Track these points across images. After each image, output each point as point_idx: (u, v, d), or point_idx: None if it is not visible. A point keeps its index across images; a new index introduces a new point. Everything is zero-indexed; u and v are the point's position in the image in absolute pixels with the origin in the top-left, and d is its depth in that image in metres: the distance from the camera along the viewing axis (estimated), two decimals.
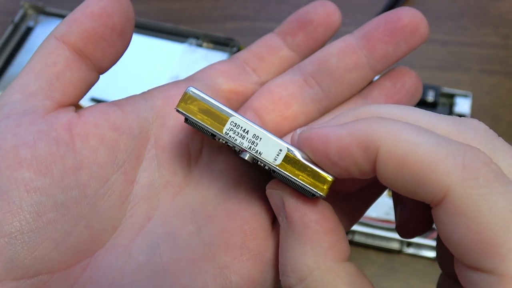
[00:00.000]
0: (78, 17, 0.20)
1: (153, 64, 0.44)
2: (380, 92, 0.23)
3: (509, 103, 0.43)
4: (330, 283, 0.17)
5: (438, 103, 0.41)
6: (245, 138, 0.18)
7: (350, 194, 0.21)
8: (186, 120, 0.19)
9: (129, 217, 0.20)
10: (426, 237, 0.36)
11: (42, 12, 0.46)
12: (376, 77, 0.24)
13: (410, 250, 0.36)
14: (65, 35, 0.20)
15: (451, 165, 0.14)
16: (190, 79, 0.23)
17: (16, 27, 0.45)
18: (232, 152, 0.21)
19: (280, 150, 0.18)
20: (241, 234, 0.20)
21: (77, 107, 0.21)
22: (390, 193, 0.36)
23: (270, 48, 0.24)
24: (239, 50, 0.44)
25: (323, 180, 0.17)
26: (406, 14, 0.22)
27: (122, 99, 0.22)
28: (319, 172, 0.17)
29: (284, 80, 0.23)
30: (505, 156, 0.16)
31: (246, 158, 0.18)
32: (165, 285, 0.19)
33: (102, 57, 0.20)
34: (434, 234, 0.35)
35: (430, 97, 0.41)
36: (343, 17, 0.24)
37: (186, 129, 0.21)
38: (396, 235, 0.36)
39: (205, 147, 0.22)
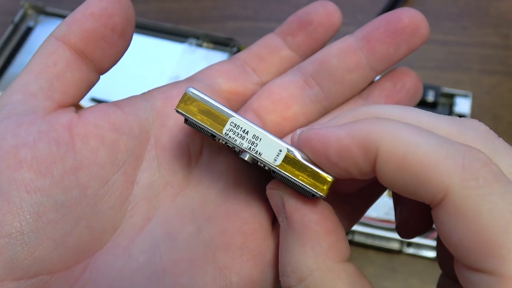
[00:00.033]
0: (79, 17, 0.20)
1: (153, 64, 0.44)
2: (380, 92, 0.23)
3: (509, 103, 0.43)
4: (330, 283, 0.17)
5: (438, 103, 0.41)
6: (245, 139, 0.18)
7: (350, 194, 0.21)
8: (186, 120, 0.19)
9: (129, 218, 0.20)
10: (426, 237, 0.36)
11: (42, 12, 0.46)
12: (377, 78, 0.24)
13: (410, 250, 0.36)
14: (65, 36, 0.20)
15: (451, 165, 0.14)
16: (190, 80, 0.23)
17: (16, 27, 0.45)
18: (232, 152, 0.21)
19: (280, 151, 0.18)
20: (241, 235, 0.20)
21: (78, 107, 0.21)
22: (390, 193, 0.36)
23: (270, 48, 0.24)
24: (239, 50, 0.44)
25: (323, 180, 0.17)
26: (406, 15, 0.22)
27: (122, 99, 0.22)
28: (319, 173, 0.17)
29: (285, 80, 0.23)
30: (505, 156, 0.16)
31: (246, 158, 0.18)
32: (165, 285, 0.19)
33: (102, 57, 0.20)
34: (434, 234, 0.35)
35: (430, 97, 0.41)
36: (343, 17, 0.24)
37: (186, 129, 0.21)
38: (396, 235, 0.36)
39: (205, 148, 0.22)
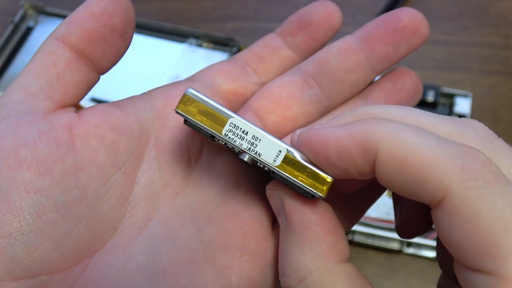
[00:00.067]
0: (79, 17, 0.20)
1: (153, 64, 0.44)
2: (380, 92, 0.23)
3: (509, 103, 0.43)
4: (329, 284, 0.17)
5: (438, 103, 0.41)
6: (245, 139, 0.18)
7: (350, 194, 0.21)
8: (186, 121, 0.19)
9: (129, 218, 0.20)
10: (426, 237, 0.36)
11: (42, 12, 0.46)
12: (377, 78, 0.24)
13: (410, 250, 0.36)
14: (65, 36, 0.20)
15: (450, 166, 0.14)
16: (190, 80, 0.23)
17: (16, 27, 0.45)
18: (232, 153, 0.21)
19: (280, 151, 0.18)
20: (241, 235, 0.20)
21: (78, 107, 0.21)
22: (390, 193, 0.36)
23: (270, 48, 0.24)
24: (239, 50, 0.44)
25: (322, 181, 0.17)
26: (406, 15, 0.22)
27: (122, 99, 0.22)
28: (318, 173, 0.17)
29: (284, 80, 0.23)
30: (504, 157, 0.16)
31: (245, 159, 0.18)
32: (165, 285, 0.19)
33: (102, 57, 0.20)
34: (434, 234, 0.35)
35: (430, 97, 0.41)
36: (343, 17, 0.24)
37: (186, 130, 0.21)
38: (396, 235, 0.35)
39: (205, 148, 0.22)
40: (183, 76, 0.24)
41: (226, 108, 0.18)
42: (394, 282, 0.36)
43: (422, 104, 0.41)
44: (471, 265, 0.14)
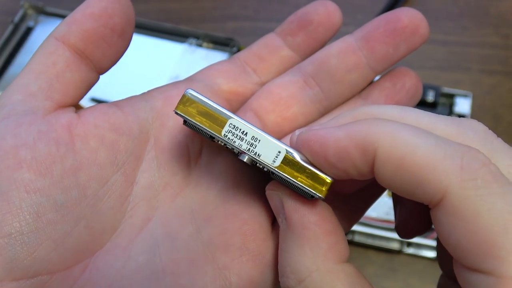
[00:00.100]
0: (78, 17, 0.20)
1: (153, 64, 0.44)
2: (380, 92, 0.23)
3: (509, 103, 0.43)
4: (329, 284, 0.17)
5: (438, 103, 0.41)
6: (244, 140, 0.18)
7: (350, 195, 0.21)
8: (185, 122, 0.19)
9: (128, 218, 0.20)
10: (426, 237, 0.36)
11: (42, 12, 0.46)
12: (376, 78, 0.24)
13: (410, 250, 0.36)
14: (65, 36, 0.20)
15: (449, 166, 0.14)
16: (190, 80, 0.23)
17: (16, 27, 0.45)
18: (232, 153, 0.21)
19: (279, 152, 0.18)
20: (241, 235, 0.20)
21: (77, 107, 0.21)
22: (390, 193, 0.36)
23: (270, 48, 0.24)
24: (239, 50, 0.44)
25: (322, 182, 0.17)
26: (406, 15, 0.22)
27: (122, 99, 0.22)
28: (318, 174, 0.17)
29: (284, 80, 0.23)
30: (504, 156, 0.16)
31: (245, 160, 0.18)
32: (165, 285, 0.19)
33: (102, 57, 0.20)
34: (434, 234, 0.35)
35: (430, 97, 0.41)
36: (343, 17, 0.24)
37: (185, 130, 0.21)
38: (396, 235, 0.35)
39: (205, 148, 0.22)
40: (183, 76, 0.24)
41: (226, 108, 0.18)
42: (394, 282, 0.36)
43: (422, 104, 0.41)
44: (470, 265, 0.14)
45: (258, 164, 0.18)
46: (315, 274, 0.17)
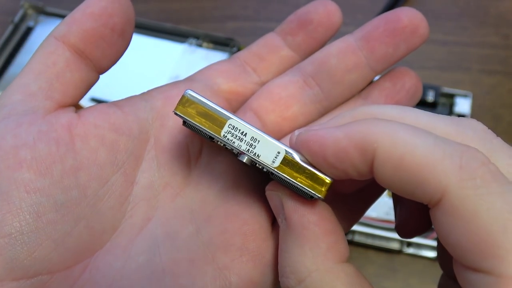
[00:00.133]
0: (78, 17, 0.20)
1: (153, 64, 0.44)
2: (380, 92, 0.23)
3: (509, 103, 0.43)
4: (328, 284, 0.17)
5: (438, 103, 0.41)
6: (243, 141, 0.18)
7: (349, 195, 0.21)
8: (185, 123, 0.19)
9: (128, 218, 0.20)
10: (426, 237, 0.36)
11: (42, 12, 0.46)
12: (376, 78, 0.24)
13: (410, 250, 0.36)
14: (65, 35, 0.20)
15: (448, 165, 0.14)
16: (189, 80, 0.23)
17: (16, 27, 0.45)
18: (232, 153, 0.21)
19: (278, 153, 0.18)
20: (241, 235, 0.20)
21: (77, 107, 0.21)
22: (390, 193, 0.36)
23: (270, 48, 0.24)
24: (239, 50, 0.44)
25: (321, 182, 0.17)
26: (406, 15, 0.22)
27: (122, 99, 0.22)
28: (317, 174, 0.17)
29: (284, 80, 0.23)
30: (503, 156, 0.16)
31: (244, 160, 0.18)
32: (165, 285, 0.19)
33: (102, 57, 0.20)
34: (434, 234, 0.35)
35: (430, 97, 0.41)
36: (343, 16, 0.24)
37: (185, 130, 0.21)
38: (396, 235, 0.36)
39: (205, 148, 0.22)
40: (183, 76, 0.24)
41: (225, 109, 0.18)
42: (394, 282, 0.36)
43: (422, 104, 0.41)
44: (470, 265, 0.14)
45: (257, 165, 0.18)
46: (315, 274, 0.17)
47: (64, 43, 0.20)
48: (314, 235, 0.17)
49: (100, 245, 0.19)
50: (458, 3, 0.48)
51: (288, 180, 0.17)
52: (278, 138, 0.23)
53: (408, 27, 0.22)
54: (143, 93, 0.22)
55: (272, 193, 0.19)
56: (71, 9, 0.20)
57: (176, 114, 0.18)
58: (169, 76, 0.43)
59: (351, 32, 0.23)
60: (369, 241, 0.36)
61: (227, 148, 0.18)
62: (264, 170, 0.18)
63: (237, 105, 0.23)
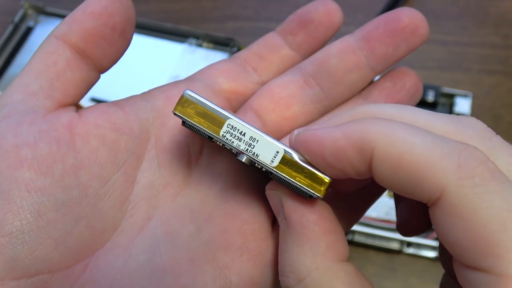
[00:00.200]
0: (79, 16, 0.20)
1: (153, 64, 0.44)
2: (380, 92, 0.23)
3: (509, 103, 0.43)
4: (328, 283, 0.17)
5: (438, 103, 0.41)
6: (242, 141, 0.18)
7: (349, 194, 0.21)
8: (184, 123, 0.19)
9: (129, 217, 0.20)
10: (426, 237, 0.36)
11: (42, 12, 0.46)
12: (377, 78, 0.24)
13: (410, 250, 0.36)
14: (65, 35, 0.20)
15: (447, 164, 0.14)
16: (190, 79, 0.23)
17: (16, 27, 0.45)
18: (231, 153, 0.21)
19: (277, 152, 0.18)
20: (241, 235, 0.20)
21: (77, 107, 0.21)
22: (391, 193, 0.36)
23: (271, 47, 0.24)
24: (239, 50, 0.44)
25: (320, 181, 0.17)
26: (406, 15, 0.22)
27: (123, 99, 0.22)
28: (316, 174, 0.17)
29: (284, 80, 0.23)
30: (503, 154, 0.16)
31: (243, 160, 0.18)
32: (165, 285, 0.19)
33: (102, 56, 0.20)
34: (434, 234, 0.35)
35: (430, 97, 0.41)
36: (343, 16, 0.24)
37: (186, 130, 0.21)
38: (396, 235, 0.36)
39: (205, 148, 0.22)
40: (183, 76, 0.24)
41: (224, 109, 0.18)
42: (394, 282, 0.36)
43: (422, 104, 0.41)
44: (469, 264, 0.14)
45: (256, 164, 0.18)
46: (315, 273, 0.17)
47: (64, 43, 0.20)
48: (314, 234, 0.17)
49: (101, 244, 0.19)
50: (458, 3, 0.48)
51: (287, 180, 0.17)
52: (279, 137, 0.23)
53: (408, 27, 0.22)
54: (144, 93, 0.22)
55: (272, 193, 0.19)
56: (71, 9, 0.20)
57: (175, 114, 0.18)
58: (169, 76, 0.43)
59: (351, 32, 0.23)
60: (369, 241, 0.36)
61: (226, 148, 0.18)
62: (263, 169, 0.18)
63: (238, 105, 0.23)
